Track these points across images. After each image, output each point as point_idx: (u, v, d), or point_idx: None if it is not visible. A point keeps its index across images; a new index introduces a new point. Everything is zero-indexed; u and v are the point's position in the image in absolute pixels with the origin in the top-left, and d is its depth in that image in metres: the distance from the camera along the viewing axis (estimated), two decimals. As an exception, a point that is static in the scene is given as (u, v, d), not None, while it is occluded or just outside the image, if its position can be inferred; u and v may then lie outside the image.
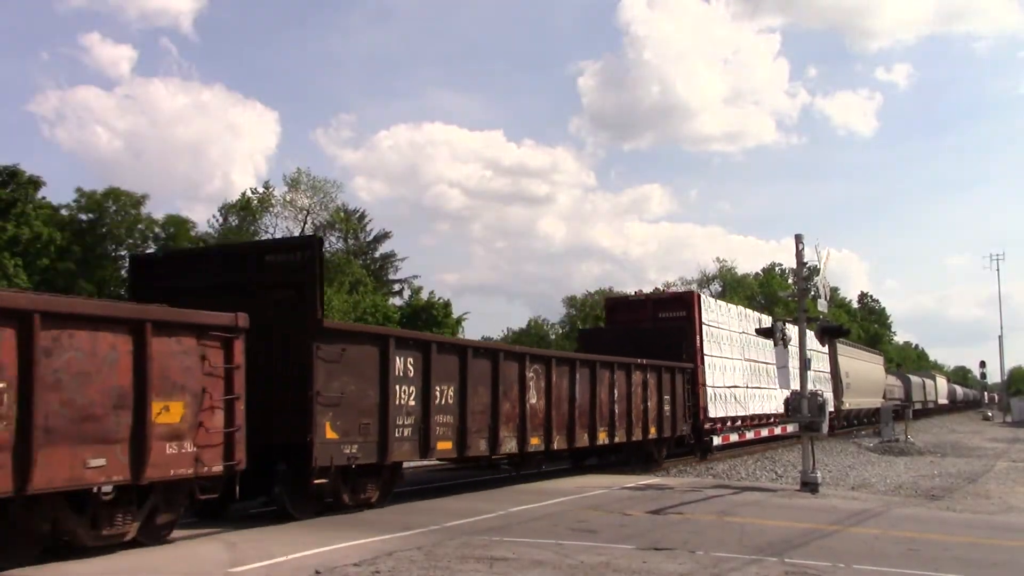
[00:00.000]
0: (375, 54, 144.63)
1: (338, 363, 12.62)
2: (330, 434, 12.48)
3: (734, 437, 27.78)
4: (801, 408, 18.30)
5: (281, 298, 12.65)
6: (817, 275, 19.23)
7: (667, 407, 22.98)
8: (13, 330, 8.65)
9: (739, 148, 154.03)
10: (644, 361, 21.78)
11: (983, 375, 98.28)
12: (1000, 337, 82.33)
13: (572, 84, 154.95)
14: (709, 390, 25.42)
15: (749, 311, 31.30)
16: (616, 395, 20.47)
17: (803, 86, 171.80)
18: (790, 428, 28.68)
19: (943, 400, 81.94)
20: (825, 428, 18.86)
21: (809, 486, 17.79)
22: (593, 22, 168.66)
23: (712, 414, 25.54)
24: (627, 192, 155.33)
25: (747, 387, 28.16)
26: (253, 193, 55.93)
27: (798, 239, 18.79)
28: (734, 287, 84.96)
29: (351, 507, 13.72)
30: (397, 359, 13.90)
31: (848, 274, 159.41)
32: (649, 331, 25.03)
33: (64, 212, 55.36)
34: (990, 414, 75.43)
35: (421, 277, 66.45)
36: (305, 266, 12.74)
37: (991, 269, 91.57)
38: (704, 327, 25.67)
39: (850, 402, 40.74)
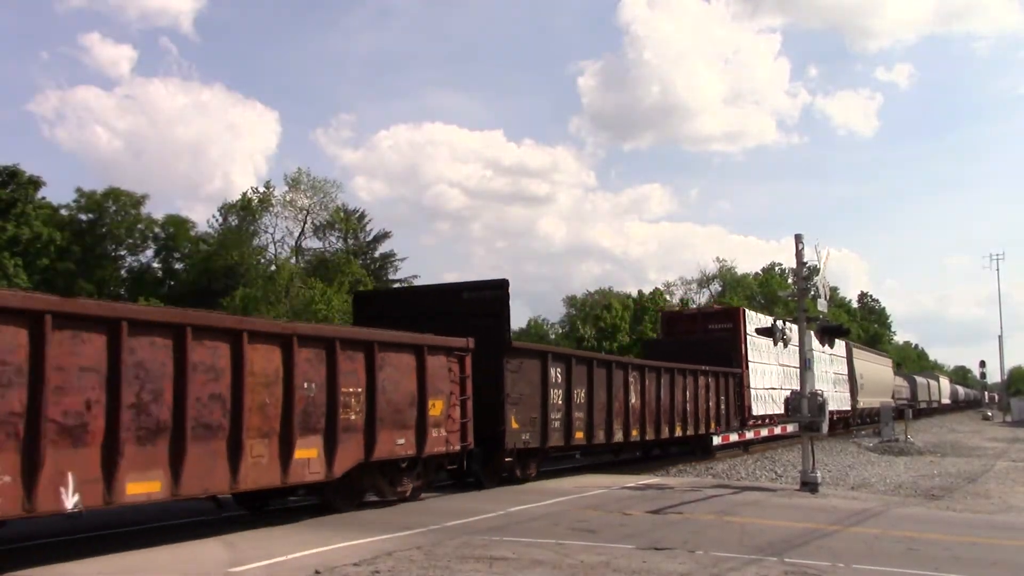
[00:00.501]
0: (375, 54, 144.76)
1: (517, 373, 16.96)
2: (514, 425, 16.86)
3: (734, 437, 27.88)
4: (801, 408, 18.30)
5: (478, 325, 16.25)
6: (817, 275, 19.23)
7: (722, 406, 27.18)
8: (363, 354, 13.29)
9: (739, 148, 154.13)
10: (707, 368, 25.77)
11: (983, 375, 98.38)
12: (1000, 337, 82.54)
13: (572, 84, 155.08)
14: (752, 391, 29.21)
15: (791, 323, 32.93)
16: (687, 396, 24.82)
17: (803, 86, 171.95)
18: (790, 428, 28.78)
19: (946, 400, 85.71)
20: (825, 428, 18.86)
21: (809, 486, 17.79)
22: (593, 22, 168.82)
23: (755, 412, 29.44)
24: (627, 192, 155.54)
25: (781, 388, 31.27)
26: (253, 193, 55.97)
27: (798, 239, 18.78)
28: (734, 287, 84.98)
29: (520, 479, 17.89)
30: (551, 369, 18.20)
31: (848, 274, 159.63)
32: (701, 341, 28.55)
33: (64, 212, 55.46)
34: (990, 414, 75.45)
35: (421, 277, 66.29)
36: (496, 301, 17.24)
37: (991, 269, 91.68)
38: (747, 337, 28.90)
39: (864, 401, 44.02)
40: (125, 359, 9.57)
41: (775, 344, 20.06)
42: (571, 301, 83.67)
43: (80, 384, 9.18)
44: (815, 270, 19.29)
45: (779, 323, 20.09)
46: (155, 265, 60.48)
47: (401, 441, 14.04)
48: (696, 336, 28.94)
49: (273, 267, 53.67)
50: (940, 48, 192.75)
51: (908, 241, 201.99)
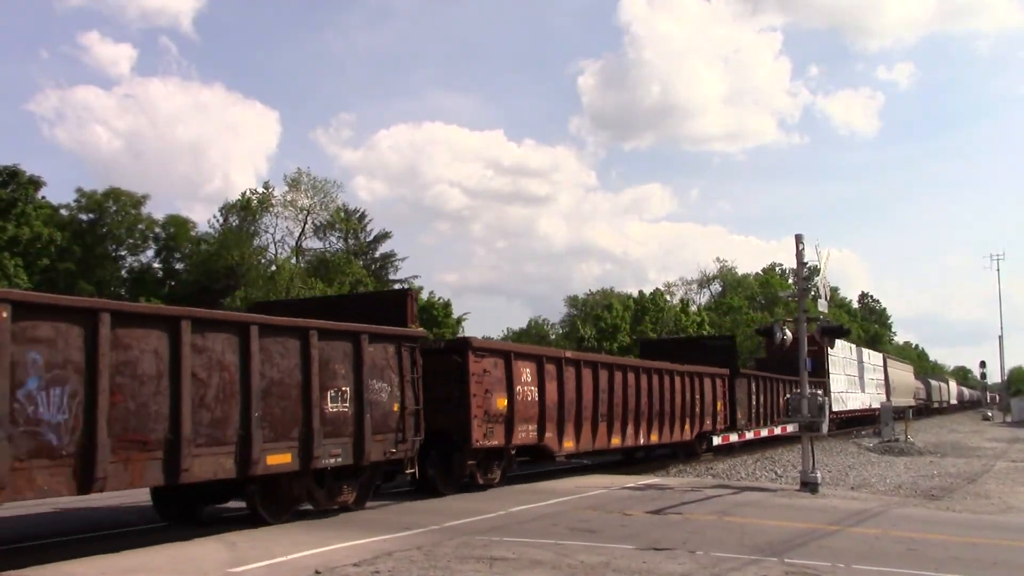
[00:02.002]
0: (375, 54, 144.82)
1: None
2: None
3: (734, 437, 27.93)
4: (801, 408, 18.30)
5: (715, 359, 27.28)
6: (817, 275, 19.23)
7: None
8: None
9: (740, 148, 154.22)
10: (812, 379, 32.69)
11: (983, 375, 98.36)
12: (1000, 337, 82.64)
13: (572, 84, 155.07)
14: (833, 394, 37.72)
15: (852, 345, 47.03)
16: (747, 391, 30.92)
17: (804, 85, 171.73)
18: (790, 428, 28.90)
19: (953, 400, 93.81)
20: (825, 428, 18.87)
21: (809, 486, 17.79)
22: (593, 22, 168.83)
23: (835, 408, 37.46)
24: (627, 192, 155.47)
25: (847, 391, 41.85)
26: (253, 193, 55.95)
27: (798, 239, 18.78)
28: (734, 287, 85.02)
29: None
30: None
31: (848, 274, 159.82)
32: (797, 357, 32.73)
33: (64, 212, 55.40)
34: (990, 414, 75.46)
35: (421, 277, 66.42)
36: (729, 347, 30.89)
37: (991, 269, 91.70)
38: (830, 355, 37.51)
39: (895, 401, 51.41)
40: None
41: (774, 342, 20.13)
42: (571, 301, 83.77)
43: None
44: (815, 270, 19.29)
45: (776, 325, 20.22)
46: (155, 265, 60.43)
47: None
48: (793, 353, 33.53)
49: (273, 267, 53.67)
50: (941, 47, 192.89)
51: (908, 241, 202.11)
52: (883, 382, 50.97)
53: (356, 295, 32.29)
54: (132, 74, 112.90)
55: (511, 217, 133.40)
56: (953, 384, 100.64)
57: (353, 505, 13.71)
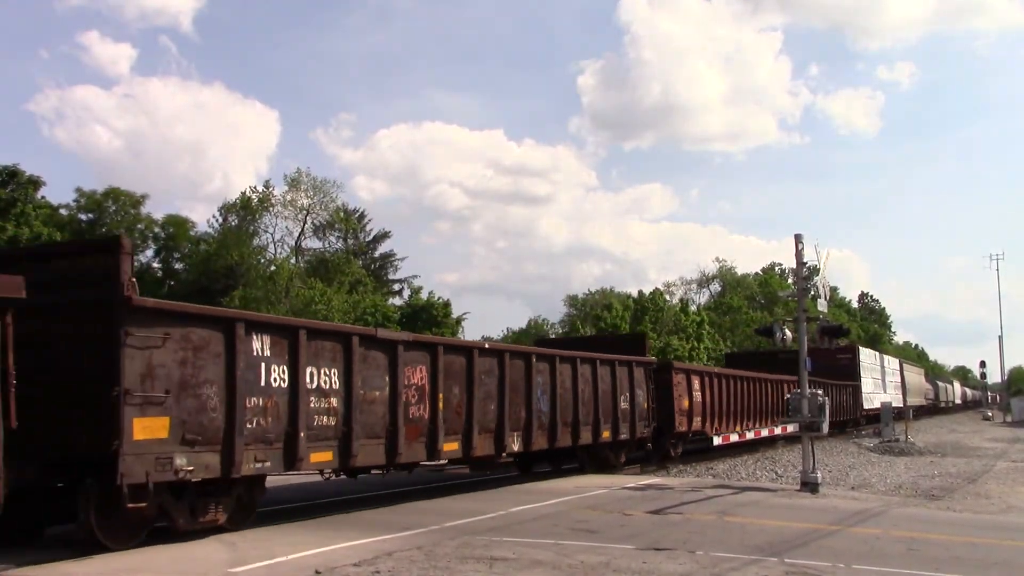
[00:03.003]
0: (375, 54, 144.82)
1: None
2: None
3: (734, 437, 27.90)
4: (801, 408, 18.29)
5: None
6: (817, 275, 19.22)
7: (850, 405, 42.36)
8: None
9: (740, 148, 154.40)
10: (848, 382, 42.18)
11: (983, 375, 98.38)
12: (1000, 337, 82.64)
13: (572, 83, 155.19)
14: (864, 394, 44.79)
15: (873, 351, 54.41)
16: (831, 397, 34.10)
17: (805, 85, 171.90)
18: (790, 428, 28.90)
19: (957, 400, 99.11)
20: (825, 428, 18.86)
21: (809, 486, 17.78)
22: (593, 21, 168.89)
23: (865, 407, 44.64)
24: (628, 192, 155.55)
25: (873, 392, 47.43)
26: (253, 192, 55.93)
27: (798, 239, 18.76)
28: (734, 287, 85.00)
29: None
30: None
31: (848, 274, 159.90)
32: (834, 364, 41.00)
33: (64, 212, 55.39)
34: (990, 414, 75.47)
35: (421, 277, 66.52)
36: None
37: (991, 269, 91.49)
38: (861, 362, 45.47)
39: (910, 400, 58.27)
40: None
41: (775, 343, 20.23)
42: (571, 301, 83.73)
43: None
44: (815, 270, 19.30)
45: (776, 326, 20.37)
46: (155, 265, 60.43)
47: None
48: (829, 361, 40.24)
49: (273, 267, 53.62)
50: (942, 47, 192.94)
51: (908, 241, 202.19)
52: (900, 384, 57.02)
53: (611, 337, 43.38)
54: (132, 74, 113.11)
55: (511, 217, 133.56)
56: (958, 385, 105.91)
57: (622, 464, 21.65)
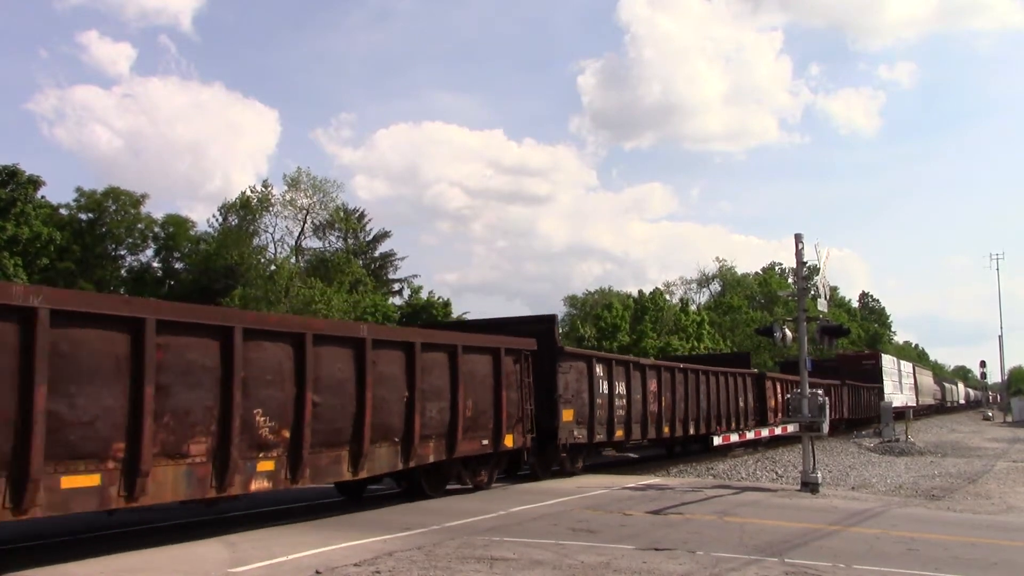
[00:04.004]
0: (375, 54, 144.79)
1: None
2: None
3: (734, 437, 27.88)
4: (801, 408, 18.28)
5: None
6: (817, 275, 19.21)
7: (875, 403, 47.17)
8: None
9: (741, 147, 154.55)
10: (873, 385, 50.04)
11: (983, 375, 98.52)
12: (1000, 337, 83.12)
13: (572, 83, 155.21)
14: (886, 395, 49.58)
15: (893, 357, 62.12)
16: (853, 397, 44.97)
17: (805, 84, 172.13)
18: (791, 428, 28.93)
19: (961, 400, 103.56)
20: (825, 428, 18.86)
21: (809, 486, 17.78)
22: (594, 21, 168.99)
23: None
24: (628, 191, 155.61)
25: (893, 393, 52.49)
26: (252, 192, 55.91)
27: (798, 239, 18.75)
28: (734, 287, 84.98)
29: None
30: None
31: (848, 274, 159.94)
32: (860, 369, 50.63)
33: (64, 212, 55.35)
34: (990, 414, 75.50)
35: (421, 276, 66.48)
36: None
37: (991, 269, 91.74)
38: (884, 367, 52.78)
39: (922, 400, 65.94)
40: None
41: (774, 341, 20.32)
42: (571, 301, 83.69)
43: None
44: (815, 270, 19.29)
45: (775, 325, 20.44)
46: (155, 265, 60.39)
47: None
48: (855, 367, 50.49)
49: (273, 267, 53.57)
50: (942, 46, 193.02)
51: (908, 241, 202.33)
52: (913, 385, 63.22)
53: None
54: (131, 73, 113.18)
55: (511, 217, 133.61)
56: (961, 386, 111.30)
57: None
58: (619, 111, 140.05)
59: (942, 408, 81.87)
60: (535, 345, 17.55)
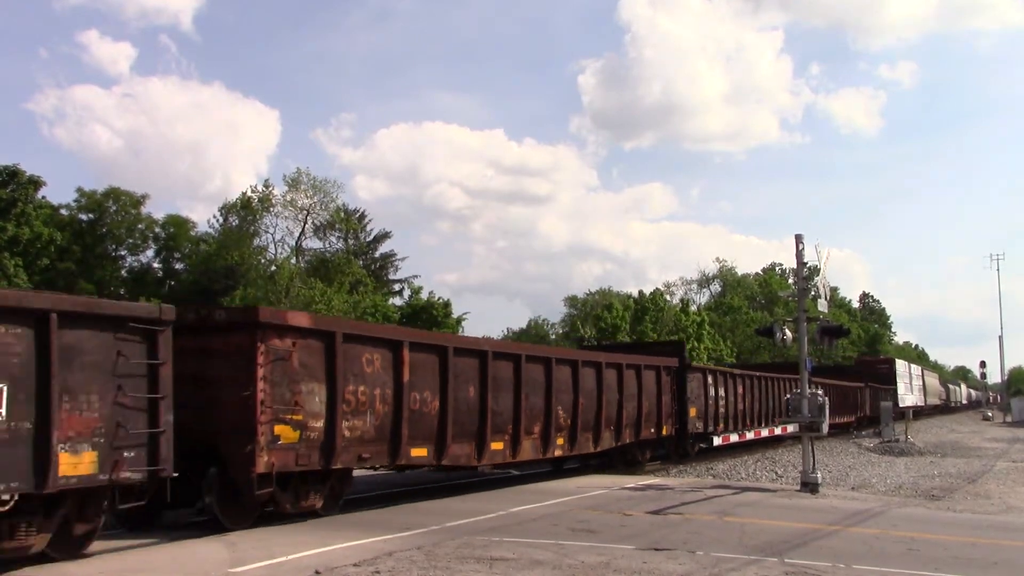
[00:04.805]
0: (375, 54, 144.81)
1: None
2: None
3: (734, 437, 27.93)
4: (801, 408, 18.29)
5: None
6: (817, 275, 19.21)
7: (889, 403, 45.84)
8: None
9: (741, 147, 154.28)
10: (888, 386, 52.09)
11: (983, 375, 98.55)
12: (1000, 337, 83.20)
13: (573, 83, 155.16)
14: (900, 395, 53.41)
15: (904, 361, 67.05)
16: (867, 396, 46.33)
17: (806, 84, 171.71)
18: (790, 428, 28.95)
19: (963, 400, 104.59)
20: (825, 428, 18.86)
21: (809, 486, 17.79)
22: (594, 21, 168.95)
23: (901, 405, 50.30)
24: (628, 191, 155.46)
25: (905, 394, 56.44)
26: (253, 192, 55.92)
27: (798, 239, 18.77)
28: (734, 287, 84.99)
29: None
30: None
31: (848, 274, 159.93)
32: (876, 372, 53.42)
33: (64, 212, 55.39)
34: (990, 414, 75.51)
35: (421, 277, 66.54)
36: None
37: (991, 269, 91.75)
38: (897, 370, 57.35)
39: (929, 400, 69.96)
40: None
41: (774, 342, 20.36)
42: (571, 301, 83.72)
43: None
44: (815, 270, 19.29)
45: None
46: (155, 265, 60.45)
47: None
48: (871, 370, 53.83)
49: (273, 267, 53.63)
50: (943, 46, 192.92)
51: (908, 241, 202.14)
52: (922, 387, 67.19)
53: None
54: (132, 73, 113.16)
55: (511, 217, 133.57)
56: (963, 386, 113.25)
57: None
58: (619, 111, 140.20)
59: (946, 408, 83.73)
60: (677, 363, 23.96)
